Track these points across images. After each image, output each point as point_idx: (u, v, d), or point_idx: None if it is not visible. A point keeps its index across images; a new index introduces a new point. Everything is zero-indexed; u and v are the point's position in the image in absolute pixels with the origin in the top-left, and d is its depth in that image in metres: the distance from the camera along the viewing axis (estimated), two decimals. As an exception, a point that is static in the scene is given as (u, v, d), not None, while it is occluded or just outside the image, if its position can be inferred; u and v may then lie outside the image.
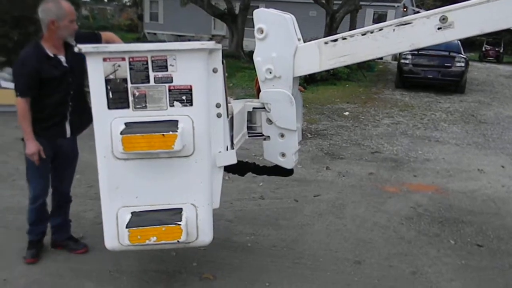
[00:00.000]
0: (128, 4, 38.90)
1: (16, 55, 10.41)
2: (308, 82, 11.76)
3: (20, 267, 3.04)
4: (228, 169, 2.87)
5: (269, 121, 2.67)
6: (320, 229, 3.82)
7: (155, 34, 27.70)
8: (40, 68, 2.80)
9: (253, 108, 2.72)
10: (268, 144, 2.73)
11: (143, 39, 25.72)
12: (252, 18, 2.58)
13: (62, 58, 2.90)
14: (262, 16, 2.51)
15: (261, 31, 2.51)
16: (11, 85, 8.51)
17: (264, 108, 2.65)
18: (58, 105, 2.93)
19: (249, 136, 2.82)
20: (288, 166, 2.77)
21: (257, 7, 2.78)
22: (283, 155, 2.73)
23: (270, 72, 2.54)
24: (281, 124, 2.64)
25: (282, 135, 2.68)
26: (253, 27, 2.55)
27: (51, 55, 2.86)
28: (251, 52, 2.63)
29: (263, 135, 2.73)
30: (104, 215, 2.36)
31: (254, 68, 2.61)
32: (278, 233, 3.70)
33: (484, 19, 2.27)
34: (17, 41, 9.49)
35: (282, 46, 2.51)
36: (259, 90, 2.64)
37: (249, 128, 2.79)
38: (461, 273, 3.22)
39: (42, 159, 2.91)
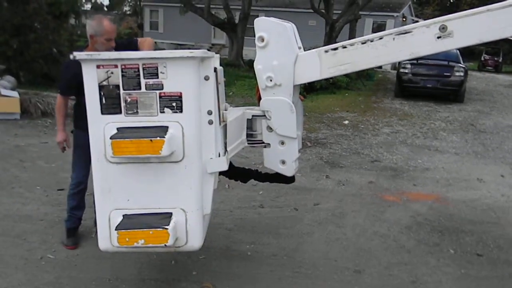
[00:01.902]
0: (128, 13, 39.11)
1: (16, 63, 10.43)
2: (307, 90, 11.80)
3: (19, 275, 3.02)
4: (231, 176, 2.89)
5: (270, 129, 2.67)
6: (320, 238, 3.81)
7: (155, 43, 27.80)
8: (79, 73, 3.05)
9: (253, 115, 2.72)
10: (268, 151, 2.74)
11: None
12: (252, 27, 2.60)
13: None
14: (263, 25, 2.53)
15: (262, 39, 2.52)
16: (11, 93, 8.57)
17: (264, 115, 2.66)
18: None
19: (248, 144, 2.82)
20: (288, 173, 2.77)
21: (257, 16, 2.81)
22: (283, 162, 2.73)
23: (271, 80, 2.56)
24: (281, 131, 2.65)
25: (283, 143, 2.68)
26: (253, 36, 2.57)
27: None
28: (251, 61, 2.66)
29: (263, 143, 2.74)
30: (98, 217, 2.42)
31: (254, 77, 2.62)
32: (278, 241, 3.68)
33: (483, 29, 2.28)
34: (17, 49, 9.53)
35: (283, 54, 2.53)
36: (260, 98, 2.65)
37: (249, 135, 2.79)
38: (461, 283, 3.21)
39: (86, 150, 3.16)
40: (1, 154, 5.71)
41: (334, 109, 10.69)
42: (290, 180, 2.86)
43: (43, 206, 4.18)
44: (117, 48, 3.16)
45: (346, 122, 9.22)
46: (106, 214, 2.37)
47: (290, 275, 3.19)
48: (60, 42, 10.57)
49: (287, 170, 2.75)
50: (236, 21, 19.14)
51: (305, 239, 3.77)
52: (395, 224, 4.14)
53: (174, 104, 2.26)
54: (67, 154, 3.58)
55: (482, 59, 30.16)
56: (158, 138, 2.17)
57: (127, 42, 3.46)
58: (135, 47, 3.26)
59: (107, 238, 2.37)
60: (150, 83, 2.25)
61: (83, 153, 3.27)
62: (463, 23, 2.29)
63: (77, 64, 3.17)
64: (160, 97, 2.26)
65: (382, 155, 6.74)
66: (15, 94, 7.95)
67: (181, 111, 2.27)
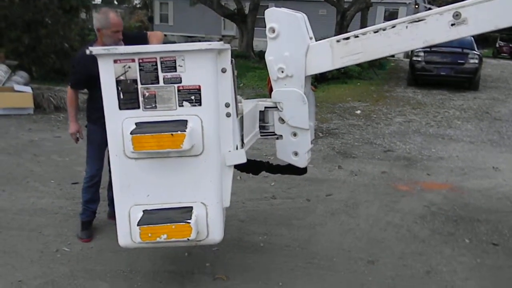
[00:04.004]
0: (138, 6, 39.09)
1: (28, 58, 10.51)
2: (319, 81, 11.71)
3: (35, 268, 3.07)
4: (242, 168, 2.88)
5: (282, 120, 2.66)
6: (333, 228, 3.80)
7: (165, 35, 27.80)
8: (90, 68, 3.14)
9: (265, 107, 2.71)
10: (281, 143, 2.72)
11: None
12: (262, 18, 2.58)
13: None
14: (274, 15, 2.51)
15: (272, 30, 2.50)
16: (24, 88, 8.67)
17: (276, 107, 2.64)
18: None
19: (261, 136, 2.81)
20: (301, 165, 2.76)
21: (267, 6, 2.78)
22: (296, 154, 2.72)
23: (282, 71, 2.54)
24: (293, 123, 2.63)
25: (295, 134, 2.67)
26: (263, 27, 2.55)
27: None
28: (261, 52, 2.64)
29: (275, 134, 2.73)
30: (117, 213, 2.41)
31: (264, 68, 2.60)
32: (291, 233, 3.68)
33: (499, 15, 2.23)
34: (29, 45, 9.60)
35: (294, 45, 2.50)
36: (271, 90, 2.63)
37: (261, 127, 2.78)
38: (476, 272, 3.18)
39: (99, 144, 3.29)
40: (15, 149, 5.78)
41: (346, 99, 10.61)
42: (302, 171, 2.85)
43: (57, 199, 4.23)
44: (126, 41, 3.15)
45: (358, 112, 9.15)
46: (126, 210, 2.36)
47: (303, 266, 3.18)
48: (71, 37, 10.61)
49: (300, 162, 2.74)
50: (246, 12, 19.02)
51: (318, 230, 3.76)
52: (408, 214, 4.11)
53: (192, 97, 2.25)
54: (80, 148, 3.61)
55: (497, 45, 29.63)
56: (179, 132, 2.16)
57: (136, 35, 3.47)
58: (144, 40, 3.25)
59: (127, 234, 2.36)
60: (168, 76, 2.23)
61: (96, 148, 3.36)
62: (477, 9, 2.24)
63: (87, 59, 3.15)
64: (178, 90, 2.24)
65: (395, 145, 6.68)
66: (28, 89, 8.03)
67: (200, 105, 2.25)
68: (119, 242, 2.43)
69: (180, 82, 2.23)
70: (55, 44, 10.06)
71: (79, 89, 3.39)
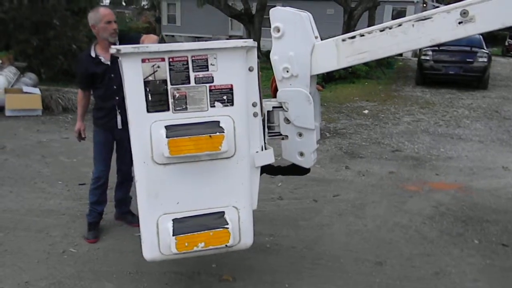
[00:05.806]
0: (146, 7, 39.25)
1: (36, 60, 10.63)
2: (326, 80, 11.68)
3: (41, 269, 3.07)
4: None
5: (287, 121, 2.64)
6: (340, 229, 3.78)
7: (173, 36, 27.91)
8: (87, 66, 3.27)
9: (273, 107, 2.69)
10: (286, 143, 2.70)
11: (160, 42, 25.97)
12: (269, 18, 2.55)
13: (103, 58, 3.22)
14: (278, 15, 2.49)
15: (277, 29, 2.48)
16: (33, 89, 8.75)
17: (281, 107, 2.62)
18: (105, 98, 3.29)
19: (268, 136, 2.79)
20: (306, 165, 2.73)
21: (274, 6, 2.75)
22: (301, 154, 2.69)
23: (287, 71, 2.52)
24: (299, 123, 2.61)
25: (300, 134, 2.65)
26: (270, 27, 2.53)
27: (93, 55, 3.25)
28: (268, 52, 2.61)
29: (281, 135, 2.71)
30: (143, 224, 2.28)
31: (271, 68, 2.59)
32: (298, 233, 3.66)
33: (507, 12, 2.20)
34: (37, 47, 9.66)
35: (299, 44, 2.48)
36: (275, 90, 2.61)
37: (267, 127, 2.77)
38: (485, 273, 3.14)
39: (101, 145, 3.41)
40: (24, 150, 5.82)
41: (353, 98, 10.56)
42: (304, 171, 2.82)
43: (65, 200, 4.25)
44: (122, 40, 3.16)
45: (366, 111, 9.10)
46: (154, 220, 2.24)
47: (310, 267, 3.16)
48: (79, 38, 10.67)
49: (306, 162, 2.72)
50: (253, 12, 19.02)
51: (324, 231, 3.73)
52: (417, 215, 4.07)
53: (225, 97, 2.19)
54: (88, 149, 3.63)
55: (506, 44, 29.33)
56: (218, 133, 2.11)
57: (133, 37, 3.43)
58: (137, 43, 3.20)
59: (155, 246, 2.25)
60: (200, 76, 2.16)
61: (100, 150, 3.42)
62: (485, 7, 2.21)
63: (84, 58, 3.30)
64: (210, 90, 2.18)
65: (403, 145, 6.63)
66: (36, 90, 8.09)
67: (232, 104, 2.20)
68: (145, 256, 2.30)
69: (212, 82, 2.17)
70: (63, 46, 10.14)
71: (83, 88, 3.43)
